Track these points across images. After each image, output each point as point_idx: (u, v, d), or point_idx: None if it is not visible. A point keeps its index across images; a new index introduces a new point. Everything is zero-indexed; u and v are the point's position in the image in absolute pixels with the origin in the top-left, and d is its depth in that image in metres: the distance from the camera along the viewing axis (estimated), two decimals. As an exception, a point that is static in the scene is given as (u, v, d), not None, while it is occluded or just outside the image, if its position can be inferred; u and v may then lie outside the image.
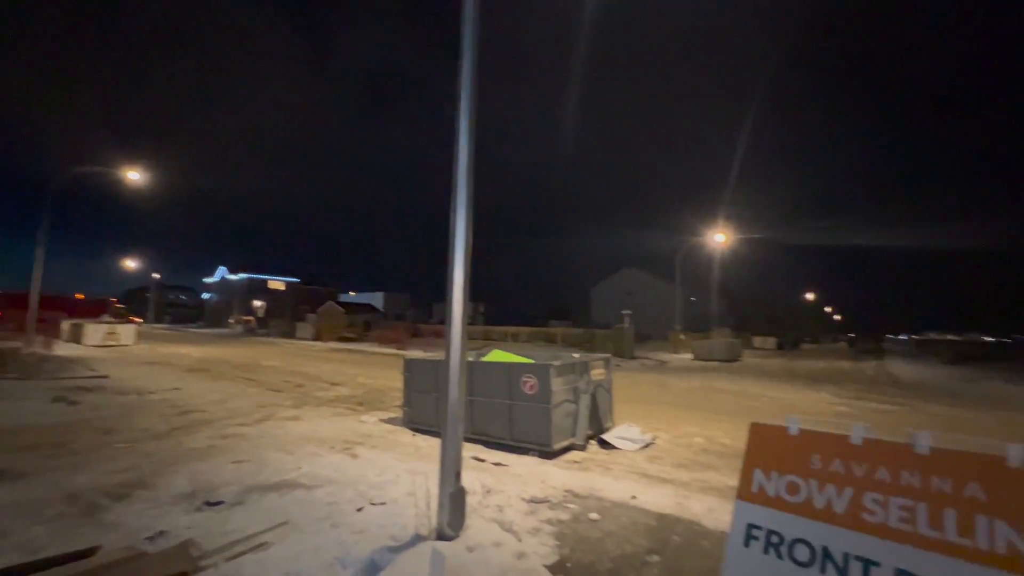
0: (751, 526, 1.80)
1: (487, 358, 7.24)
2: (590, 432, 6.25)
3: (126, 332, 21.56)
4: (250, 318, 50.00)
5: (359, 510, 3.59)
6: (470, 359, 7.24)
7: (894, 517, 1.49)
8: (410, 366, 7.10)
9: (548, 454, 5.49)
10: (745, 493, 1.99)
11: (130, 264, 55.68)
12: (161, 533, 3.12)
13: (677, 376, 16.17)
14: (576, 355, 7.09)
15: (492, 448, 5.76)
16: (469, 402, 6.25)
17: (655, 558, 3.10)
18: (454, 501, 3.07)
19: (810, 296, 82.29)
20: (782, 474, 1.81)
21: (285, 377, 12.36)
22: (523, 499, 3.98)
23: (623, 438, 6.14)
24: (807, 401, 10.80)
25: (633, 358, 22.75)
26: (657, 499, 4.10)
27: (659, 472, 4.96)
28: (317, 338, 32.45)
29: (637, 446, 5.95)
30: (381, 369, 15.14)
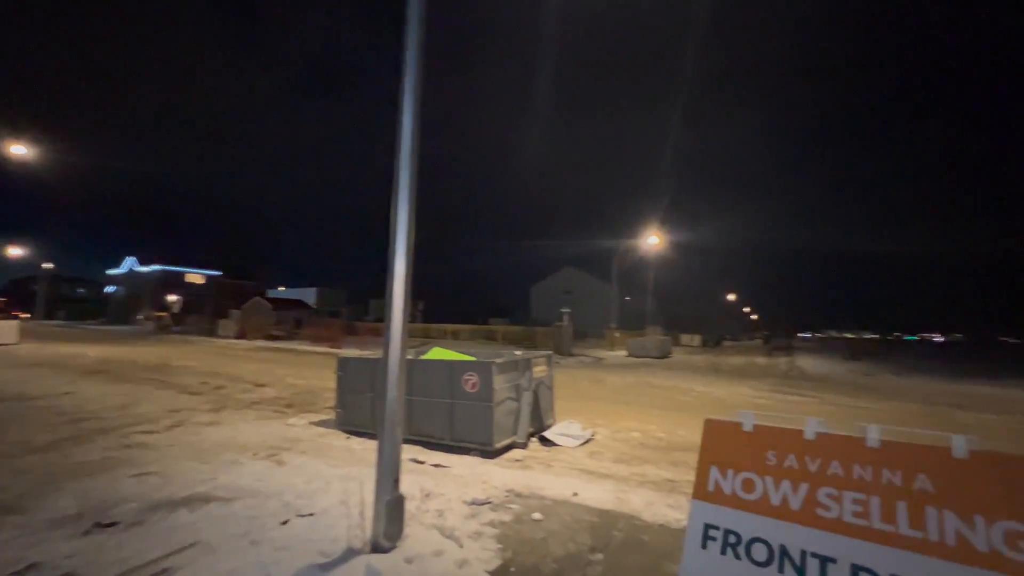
0: (708, 526, 1.78)
1: (427, 356, 6.99)
2: (531, 429, 6.21)
3: (6, 329, 18.84)
4: (163, 314, 45.65)
5: (284, 523, 3.27)
6: (409, 357, 6.97)
7: (848, 512, 1.52)
8: (344, 365, 6.71)
9: (489, 453, 5.38)
10: (701, 492, 1.97)
11: (14, 252, 48.87)
12: (32, 566, 2.65)
13: (613, 372, 16.68)
14: (518, 353, 7.03)
15: (432, 449, 5.55)
16: (408, 402, 5.99)
17: (598, 556, 3.07)
18: (391, 509, 2.86)
19: (731, 296, 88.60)
20: (738, 471, 1.80)
21: (203, 378, 11.31)
22: (464, 502, 3.83)
23: (564, 435, 6.16)
24: (731, 394, 11.51)
25: (571, 355, 23.24)
26: (598, 495, 4.11)
27: (599, 467, 5.00)
28: (241, 336, 30.24)
29: (577, 442, 5.99)
30: (313, 369, 14.31)
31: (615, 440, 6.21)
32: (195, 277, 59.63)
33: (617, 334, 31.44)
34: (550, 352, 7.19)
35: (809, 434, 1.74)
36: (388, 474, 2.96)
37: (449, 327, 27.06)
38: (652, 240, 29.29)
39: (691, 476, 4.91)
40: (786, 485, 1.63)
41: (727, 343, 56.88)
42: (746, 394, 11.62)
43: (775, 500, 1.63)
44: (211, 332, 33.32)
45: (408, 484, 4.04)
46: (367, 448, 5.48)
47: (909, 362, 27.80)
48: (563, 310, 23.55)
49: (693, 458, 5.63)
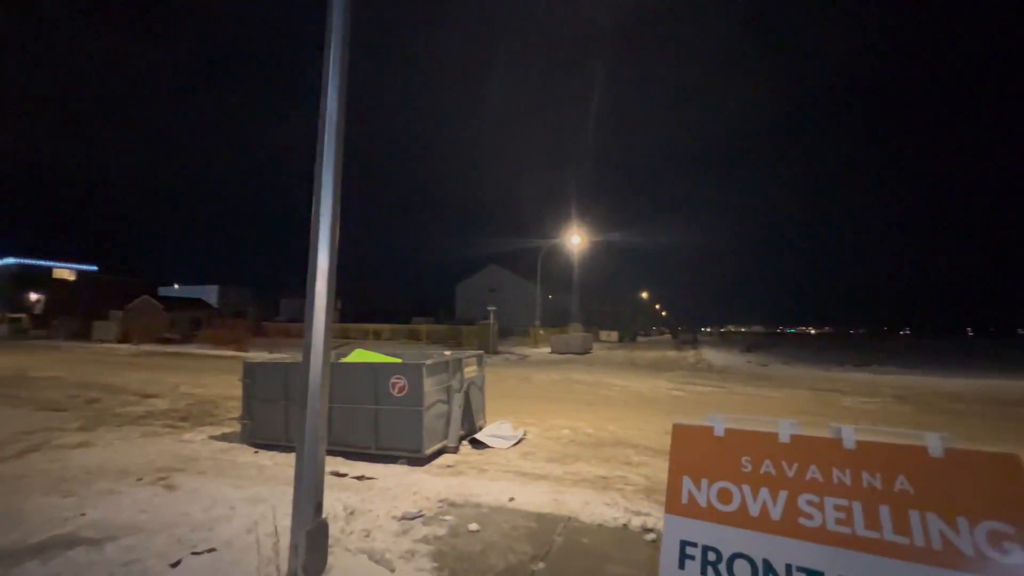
0: (685, 543, 1.68)
1: (348, 359, 6.49)
2: (463, 432, 5.98)
3: None
4: (21, 316, 38.88)
5: (175, 565, 2.75)
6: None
7: (831, 519, 1.49)
8: (252, 371, 6.02)
9: (419, 460, 5.07)
10: (675, 505, 1.86)
11: None
12: None
13: (539, 369, 16.89)
14: (448, 353, 6.75)
15: (354, 459, 5.11)
16: (328, 410, 5.49)
17: (540, 565, 2.93)
18: (313, 539, 2.50)
19: (644, 294, 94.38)
20: (713, 481, 1.73)
21: (71, 391, 9.67)
22: (394, 517, 3.52)
23: (496, 436, 6.00)
24: (650, 388, 12.09)
25: (496, 353, 23.23)
26: (535, 498, 3.99)
27: (533, 468, 4.90)
28: (124, 340, 26.59)
29: (510, 443, 5.86)
30: (214, 375, 12.85)
31: (546, 439, 6.17)
32: (64, 273, 51.55)
33: (541, 331, 32.03)
34: (481, 352, 7.00)
35: (784, 437, 1.71)
36: (309, 498, 2.58)
37: (370, 327, 25.82)
38: (575, 239, 30.19)
39: (623, 471, 4.99)
40: (764, 493, 1.58)
41: (641, 338, 60.41)
42: (663, 387, 12.27)
43: (754, 510, 1.57)
44: (84, 335, 28.95)
45: (329, 502, 3.64)
46: (280, 464, 4.92)
47: (793, 352, 31.28)
48: (489, 308, 23.48)
49: (623, 453, 5.79)
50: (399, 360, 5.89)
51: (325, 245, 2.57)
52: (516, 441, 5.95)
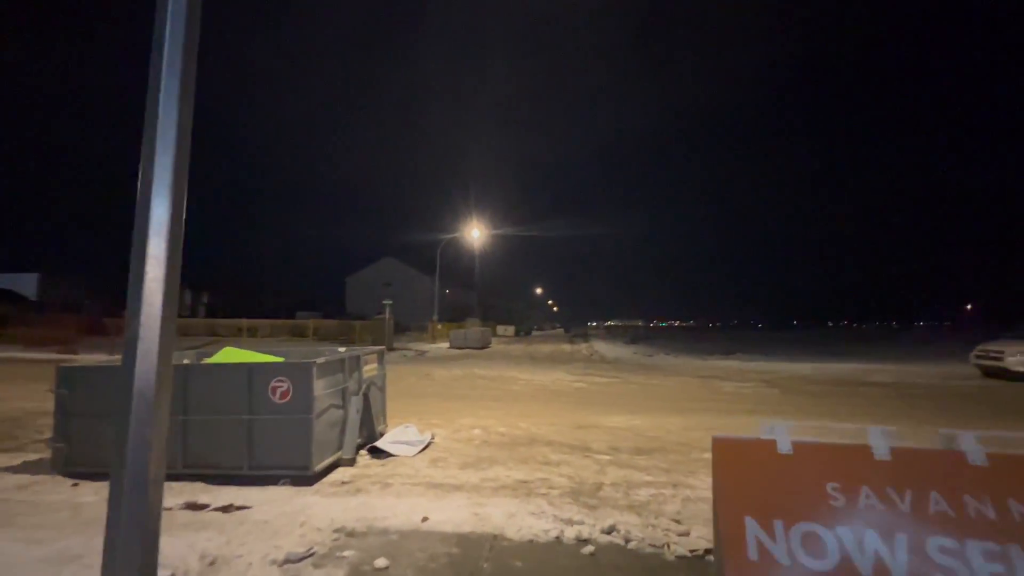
0: None
1: (214, 359, 5.31)
2: (361, 440, 5.19)
3: None
4: None
5: None
6: (186, 361, 5.17)
7: None
8: (70, 378, 4.62)
9: (307, 479, 4.22)
10: (740, 565, 1.25)
11: None
12: None
13: (439, 365, 16.20)
14: (343, 349, 5.86)
15: (220, 484, 4.10)
16: (181, 424, 4.37)
17: (468, 603, 2.41)
18: (139, 627, 1.68)
19: (538, 290, 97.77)
20: (791, 522, 1.19)
21: None
22: (274, 562, 2.73)
23: (400, 442, 5.31)
24: (552, 380, 12.13)
25: (393, 349, 21.99)
26: (452, 514, 3.45)
27: (446, 478, 4.33)
28: None
29: (416, 449, 5.22)
30: (19, 385, 10.09)
31: (456, 441, 5.63)
32: None
33: (439, 326, 31.19)
34: (382, 348, 6.22)
35: (880, 451, 1.22)
36: (132, 554, 1.74)
37: (244, 322, 22.72)
38: (475, 233, 29.82)
39: (544, 473, 4.63)
40: (873, 538, 1.09)
41: (536, 333, 62.30)
42: (565, 379, 12.40)
43: (864, 568, 1.08)
44: None
45: (178, 550, 2.73)
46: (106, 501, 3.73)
47: (669, 344, 34.39)
48: (385, 302, 22.10)
49: (539, 452, 5.42)
50: (279, 359, 4.92)
51: (162, 229, 1.75)
52: (423, 447, 5.33)
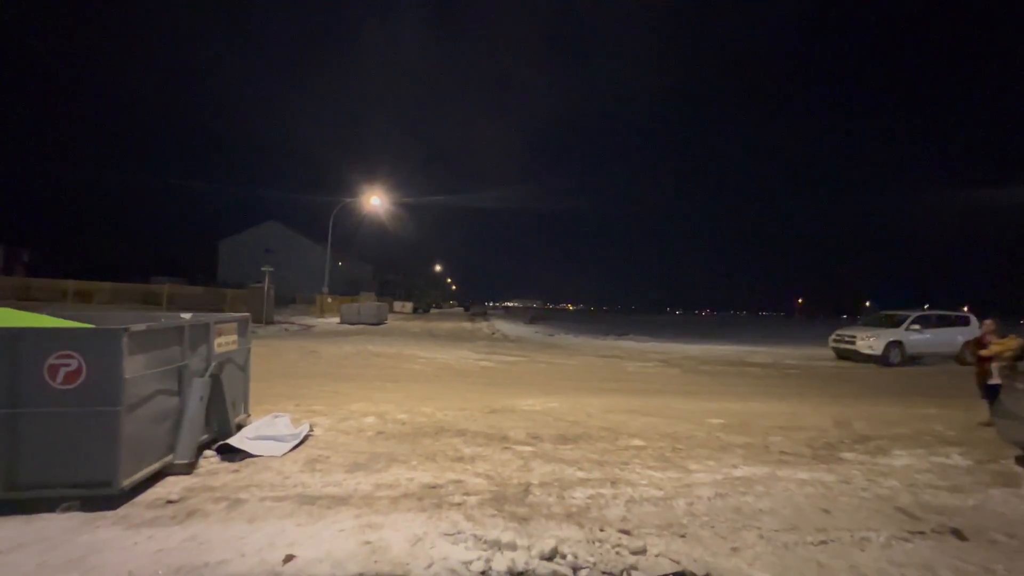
0: None
1: None
2: (207, 437, 3.86)
3: None
4: None
5: None
6: None
7: None
8: None
9: (110, 500, 2.88)
10: None
11: None
12: None
13: (328, 341, 14.43)
14: (187, 315, 4.35)
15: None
16: None
17: None
18: None
19: (437, 267, 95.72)
20: None
21: None
22: None
23: (265, 437, 4.06)
24: (456, 359, 11.26)
25: (273, 323, 19.38)
26: (332, 545, 2.44)
27: (326, 486, 3.26)
28: None
29: (287, 445, 4.02)
30: None
31: (343, 433, 4.51)
32: None
33: (329, 300, 28.51)
34: (245, 316, 4.80)
35: None
36: None
37: (72, 284, 18.19)
38: (375, 201, 27.48)
39: (456, 473, 3.62)
40: None
41: (434, 311, 60.79)
42: (470, 357, 11.61)
43: None
44: None
45: None
46: None
47: (566, 325, 35.39)
48: (264, 268, 19.28)
49: (449, 444, 4.24)
50: (76, 325, 3.40)
51: None
52: (297, 442, 4.13)
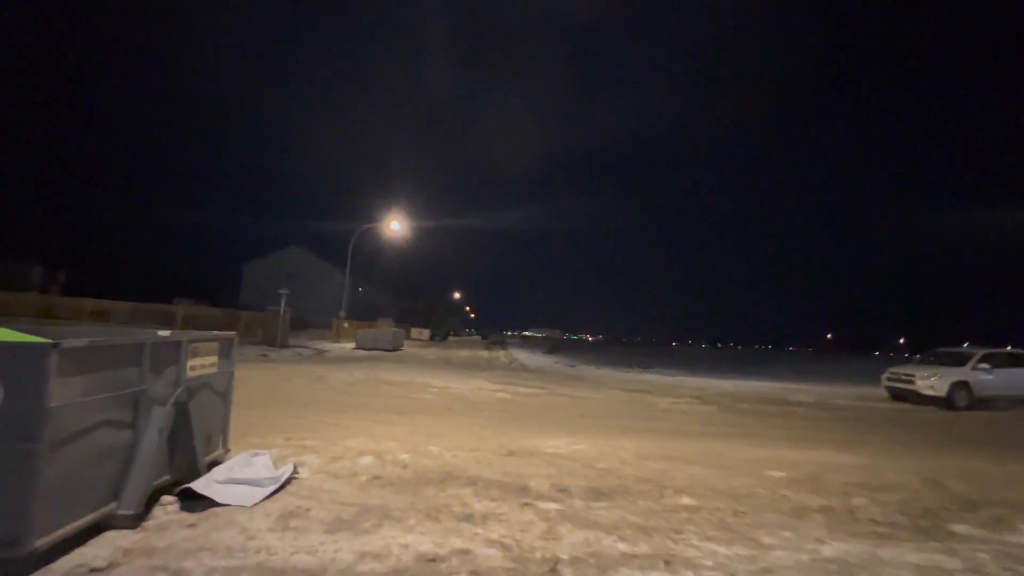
0: None
1: None
2: (168, 478, 3.22)
3: None
4: None
5: None
6: None
7: None
8: None
9: (17, 566, 2.24)
10: None
11: None
12: None
13: (338, 367, 13.85)
14: (165, 332, 3.78)
15: None
16: None
17: None
18: None
19: (457, 295, 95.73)
20: None
21: None
22: None
23: (237, 481, 3.39)
24: (471, 389, 10.52)
25: (286, 347, 18.99)
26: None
27: (295, 553, 2.55)
28: None
29: (263, 492, 3.33)
30: None
31: (333, 476, 3.81)
32: None
33: (346, 325, 28.22)
34: (230, 335, 4.21)
35: None
36: None
37: (91, 303, 18.29)
38: (395, 226, 27.43)
39: (463, 538, 2.38)
40: None
41: (452, 338, 60.25)
42: (486, 388, 10.84)
43: None
44: None
45: None
46: None
47: (587, 355, 34.27)
48: (281, 291, 19.07)
49: (456, 496, 3.36)
50: (21, 337, 2.84)
51: None
52: (276, 487, 3.44)
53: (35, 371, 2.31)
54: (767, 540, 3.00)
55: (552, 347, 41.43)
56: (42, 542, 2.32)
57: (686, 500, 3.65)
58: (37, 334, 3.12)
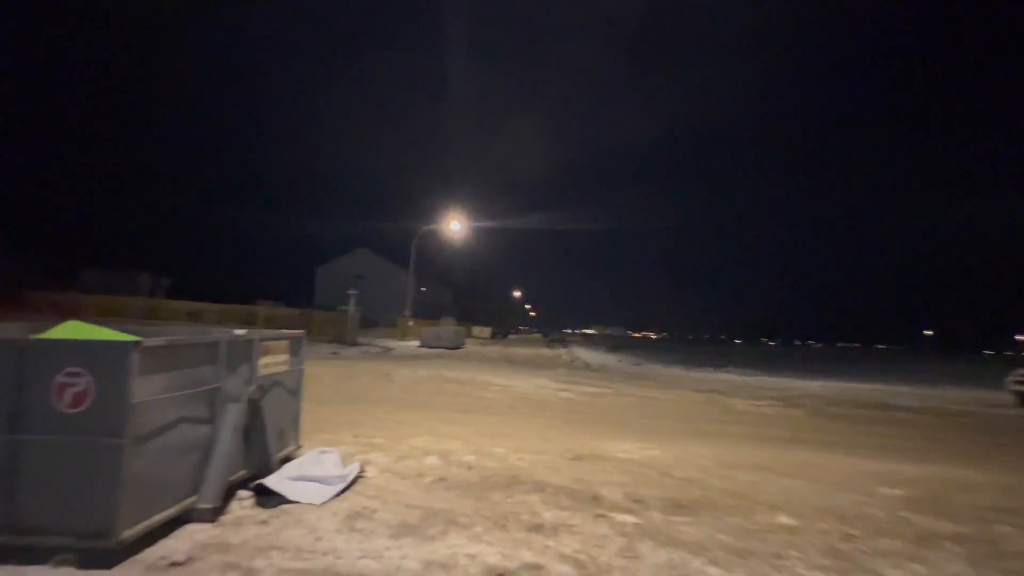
0: None
1: (48, 334, 3.32)
2: (245, 473, 3.30)
3: None
4: None
5: None
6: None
7: None
8: None
9: (104, 556, 2.32)
10: None
11: None
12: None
13: (403, 364, 14.23)
14: (242, 331, 3.92)
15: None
16: None
17: None
18: None
19: (517, 293, 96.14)
20: None
21: None
22: None
23: (306, 478, 3.41)
24: (533, 388, 10.34)
25: (356, 344, 19.86)
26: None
27: (361, 557, 2.47)
28: None
29: (331, 490, 3.33)
30: None
31: (398, 476, 3.76)
32: None
33: (411, 323, 29.12)
34: (300, 333, 4.29)
35: None
36: None
37: (187, 305, 20.21)
38: (455, 226, 27.89)
39: (534, 551, 2.22)
40: None
41: (512, 336, 60.58)
42: (548, 387, 10.62)
43: None
44: None
45: None
46: None
47: (652, 354, 33.05)
48: (350, 292, 19.96)
49: (524, 503, 3.12)
50: (117, 336, 3.01)
51: None
52: (344, 486, 3.43)
53: (119, 368, 2.38)
54: (892, 574, 2.54)
55: (615, 345, 40.42)
56: (128, 533, 2.40)
57: (784, 519, 3.22)
58: (135, 334, 3.31)
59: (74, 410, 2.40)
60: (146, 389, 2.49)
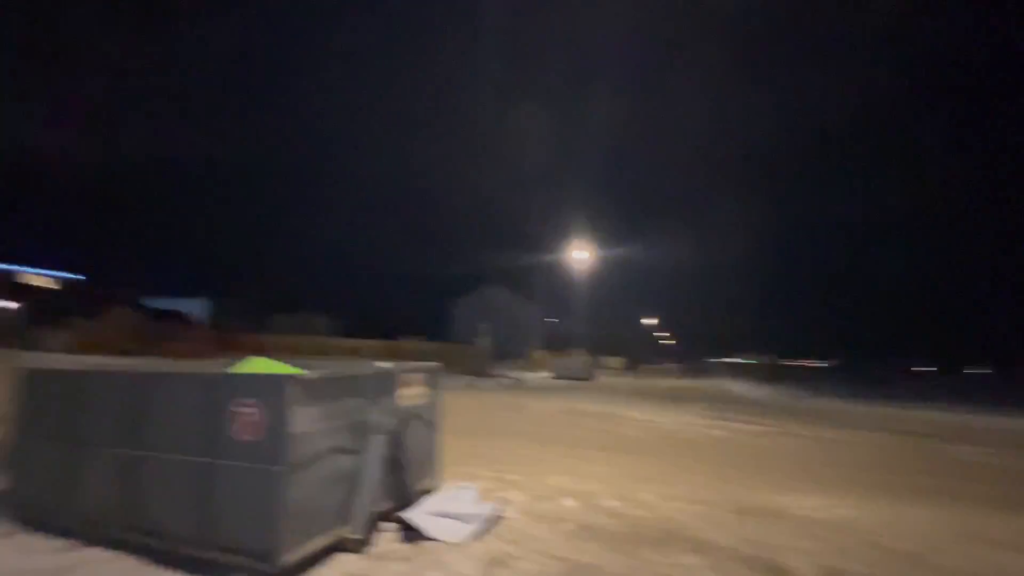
0: None
1: (234, 368, 3.91)
2: (388, 506, 3.35)
3: None
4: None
5: None
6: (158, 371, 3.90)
7: None
8: (35, 385, 3.49)
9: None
10: None
11: None
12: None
13: (536, 396, 14.16)
14: (383, 364, 4.14)
15: (162, 566, 2.56)
16: (128, 461, 2.95)
17: None
18: None
19: (650, 321, 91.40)
20: None
21: None
22: None
23: (445, 514, 3.34)
24: (679, 424, 9.37)
25: (489, 376, 20.50)
26: None
27: (504, 613, 2.23)
28: (73, 351, 23.98)
29: (469, 528, 3.20)
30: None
31: (537, 520, 3.50)
32: (39, 279, 49.12)
33: (541, 354, 29.31)
34: (436, 365, 4.38)
35: None
36: None
37: (348, 343, 23.13)
38: (583, 255, 27.76)
39: None
40: None
41: (644, 367, 57.38)
42: (696, 423, 9.54)
43: None
44: (27, 345, 26.36)
45: None
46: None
47: (811, 384, 28.25)
48: (481, 325, 20.85)
49: (681, 565, 2.53)
50: (292, 370, 3.34)
51: None
52: (482, 525, 3.28)
53: (280, 401, 2.58)
54: None
55: (768, 375, 35.68)
56: (288, 557, 2.53)
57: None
58: (303, 368, 3.67)
59: (248, 438, 2.64)
60: (304, 420, 2.66)
